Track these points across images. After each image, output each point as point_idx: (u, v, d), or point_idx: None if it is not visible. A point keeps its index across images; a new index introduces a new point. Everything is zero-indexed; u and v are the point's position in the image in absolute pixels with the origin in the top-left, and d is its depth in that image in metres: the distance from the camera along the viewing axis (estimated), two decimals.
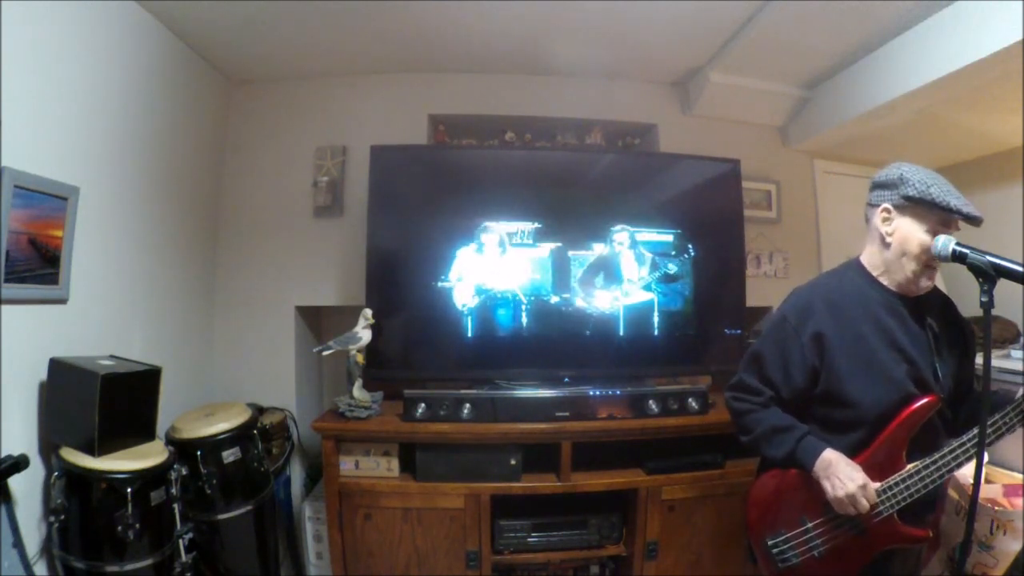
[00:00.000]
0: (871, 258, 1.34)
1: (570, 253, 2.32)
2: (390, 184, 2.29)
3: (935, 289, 1.37)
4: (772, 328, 1.38)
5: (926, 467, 1.23)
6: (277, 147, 2.62)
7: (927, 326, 1.30)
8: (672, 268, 2.37)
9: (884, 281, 1.31)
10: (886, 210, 1.29)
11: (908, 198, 1.24)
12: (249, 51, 2.37)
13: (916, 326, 1.29)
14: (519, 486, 2.02)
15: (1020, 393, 1.21)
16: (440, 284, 2.27)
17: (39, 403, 1.55)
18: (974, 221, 1.20)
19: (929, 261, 1.24)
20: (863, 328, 1.27)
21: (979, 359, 1.22)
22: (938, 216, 1.22)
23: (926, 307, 1.32)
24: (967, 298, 1.35)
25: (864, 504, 1.20)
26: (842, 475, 1.22)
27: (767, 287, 2.78)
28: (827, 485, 1.24)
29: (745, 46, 2.26)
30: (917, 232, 1.24)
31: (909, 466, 1.24)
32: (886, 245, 1.29)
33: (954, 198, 1.20)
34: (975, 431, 1.16)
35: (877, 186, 1.33)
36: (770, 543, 1.35)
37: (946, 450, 1.22)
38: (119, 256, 1.91)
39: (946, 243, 1.18)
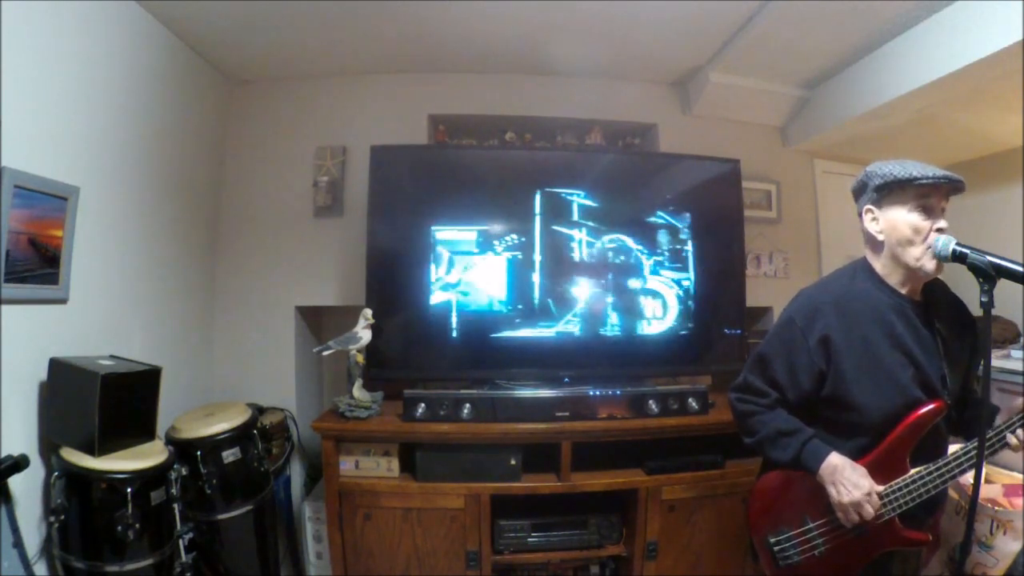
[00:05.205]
0: (874, 263, 1.33)
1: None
2: (390, 184, 2.29)
3: (946, 290, 1.35)
4: (779, 330, 1.36)
5: (929, 473, 1.22)
6: (277, 147, 2.62)
7: (936, 329, 1.28)
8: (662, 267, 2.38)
9: (891, 283, 1.29)
10: (868, 211, 1.30)
11: (879, 188, 1.25)
12: (249, 51, 2.37)
13: (924, 330, 1.27)
14: (519, 486, 2.02)
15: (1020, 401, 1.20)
16: (440, 284, 2.27)
17: (39, 403, 1.55)
18: (943, 182, 1.19)
19: (928, 240, 1.21)
20: (870, 332, 1.25)
21: None
22: (913, 191, 1.21)
23: (935, 309, 1.30)
24: (967, 298, 1.34)
25: (869, 511, 1.20)
26: (848, 481, 1.21)
27: (767, 287, 2.78)
28: (832, 491, 1.23)
29: (745, 46, 2.26)
30: (902, 215, 1.23)
31: (912, 471, 1.24)
32: (881, 244, 1.28)
33: (918, 169, 1.19)
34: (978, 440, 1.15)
35: (855, 195, 1.35)
36: (772, 541, 1.35)
37: (949, 457, 1.22)
38: (119, 256, 1.91)
39: (946, 243, 1.17)
